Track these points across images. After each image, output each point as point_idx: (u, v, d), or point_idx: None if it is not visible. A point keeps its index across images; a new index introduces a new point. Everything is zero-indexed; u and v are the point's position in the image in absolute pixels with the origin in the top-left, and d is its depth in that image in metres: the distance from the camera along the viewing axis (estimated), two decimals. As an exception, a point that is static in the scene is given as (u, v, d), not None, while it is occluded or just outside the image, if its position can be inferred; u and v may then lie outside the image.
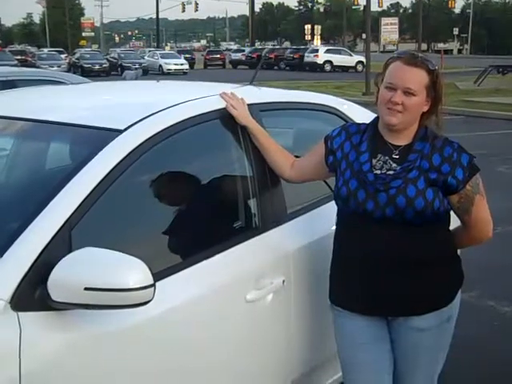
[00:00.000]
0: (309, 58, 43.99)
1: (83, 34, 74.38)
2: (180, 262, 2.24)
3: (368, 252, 2.28)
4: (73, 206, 1.94)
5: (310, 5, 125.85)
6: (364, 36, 34.23)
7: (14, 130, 2.63)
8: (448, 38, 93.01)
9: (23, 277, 1.80)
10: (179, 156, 2.49)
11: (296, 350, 2.63)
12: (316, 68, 42.24)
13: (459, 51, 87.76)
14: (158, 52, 47.35)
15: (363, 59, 32.78)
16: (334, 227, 2.44)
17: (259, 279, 2.38)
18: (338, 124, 2.64)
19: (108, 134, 2.19)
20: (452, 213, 2.37)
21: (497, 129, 14.28)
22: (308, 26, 73.80)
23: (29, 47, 69.38)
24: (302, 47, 52.25)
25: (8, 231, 1.93)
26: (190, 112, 2.44)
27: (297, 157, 2.63)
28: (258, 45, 72.52)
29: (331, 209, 2.46)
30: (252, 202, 2.55)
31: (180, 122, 2.36)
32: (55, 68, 33.23)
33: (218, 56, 53.75)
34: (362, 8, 67.88)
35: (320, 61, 43.20)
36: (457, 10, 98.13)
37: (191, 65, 46.62)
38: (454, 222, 2.42)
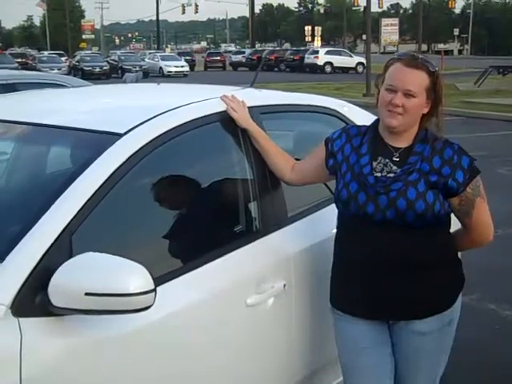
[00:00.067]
0: (309, 59, 44.00)
1: (83, 37, 74.46)
2: (181, 267, 2.23)
3: (369, 255, 2.28)
4: (73, 211, 1.93)
5: (310, 6, 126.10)
6: (364, 37, 34.24)
7: (15, 134, 2.63)
8: (448, 38, 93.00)
9: (24, 282, 1.79)
10: (180, 159, 2.49)
11: (297, 354, 2.63)
12: (316, 69, 42.24)
13: (459, 52, 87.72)
14: (158, 54, 47.35)
15: (363, 60, 32.82)
16: (335, 230, 2.44)
17: (260, 283, 2.37)
18: (338, 126, 2.64)
19: (108, 138, 2.18)
20: (452, 215, 2.37)
21: (497, 130, 14.28)
22: (308, 28, 73.84)
23: (29, 50, 69.30)
24: (302, 48, 52.25)
25: (8, 236, 1.92)
26: (191, 115, 2.44)
27: (297, 159, 2.63)
28: (258, 46, 72.54)
29: (332, 212, 2.45)
30: (252, 206, 2.55)
31: (180, 125, 2.35)
32: (55, 71, 33.24)
33: (219, 58, 53.76)
34: (362, 9, 68.02)
35: (320, 62, 43.20)
36: (457, 11, 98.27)
37: (191, 67, 46.62)
38: (455, 225, 2.42)
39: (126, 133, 2.20)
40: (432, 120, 2.32)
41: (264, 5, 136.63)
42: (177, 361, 2.14)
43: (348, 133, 2.43)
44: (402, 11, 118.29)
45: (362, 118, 3.04)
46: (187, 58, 49.19)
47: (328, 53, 44.64)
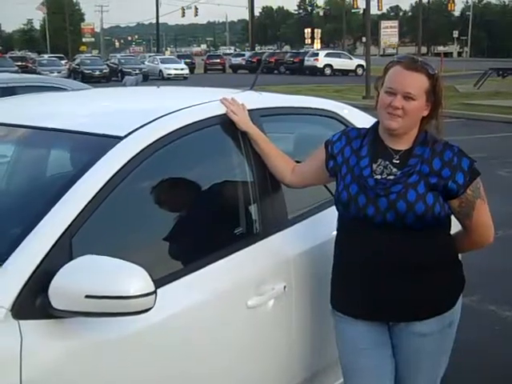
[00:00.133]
0: (309, 61, 44.03)
1: (83, 40, 74.48)
2: (181, 269, 2.24)
3: (369, 257, 2.28)
4: (73, 214, 1.94)
5: (309, 9, 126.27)
6: (364, 39, 34.24)
7: (15, 137, 2.64)
8: (448, 40, 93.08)
9: (24, 285, 1.80)
10: (180, 162, 2.49)
11: (297, 356, 2.63)
12: (316, 72, 42.28)
13: (459, 54, 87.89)
14: (158, 57, 47.38)
15: (363, 63, 32.83)
16: (335, 232, 2.44)
17: (260, 285, 2.38)
18: (338, 129, 2.64)
19: (108, 141, 2.19)
20: (453, 217, 2.37)
21: (497, 132, 14.28)
22: (308, 30, 73.95)
23: (29, 53, 69.41)
24: (302, 51, 52.28)
25: (9, 239, 1.93)
26: (191, 118, 2.44)
27: (297, 162, 2.63)
28: (257, 49, 72.58)
29: (332, 214, 2.46)
30: (253, 208, 2.55)
31: (180, 128, 2.36)
32: (55, 74, 33.30)
33: (218, 61, 53.81)
34: (361, 11, 67.91)
35: (320, 64, 43.23)
36: (456, 13, 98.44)
37: (191, 69, 46.65)
38: (455, 227, 2.42)
39: (126, 136, 2.21)
40: (432, 122, 2.32)
41: (264, 8, 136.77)
42: (177, 363, 2.14)
43: (348, 135, 2.43)
44: (401, 13, 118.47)
45: (362, 120, 3.04)
46: (187, 60, 49.18)
47: (328, 55, 44.66)
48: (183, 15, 79.16)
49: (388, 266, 2.27)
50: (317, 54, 44.92)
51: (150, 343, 2.04)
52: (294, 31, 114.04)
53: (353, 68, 43.13)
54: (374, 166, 2.30)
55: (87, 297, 1.76)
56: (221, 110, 2.54)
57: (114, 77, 39.41)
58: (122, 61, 44.58)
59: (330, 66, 43.33)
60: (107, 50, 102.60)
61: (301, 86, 27.32)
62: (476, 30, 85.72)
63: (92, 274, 1.79)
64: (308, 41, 73.03)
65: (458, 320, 2.45)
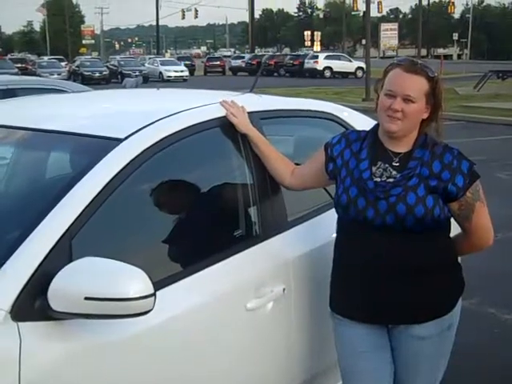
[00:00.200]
0: (308, 64, 44.07)
1: (83, 42, 74.54)
2: (180, 271, 2.24)
3: (368, 260, 2.28)
4: (73, 216, 1.94)
5: (309, 11, 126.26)
6: (364, 42, 34.28)
7: (15, 139, 2.64)
8: (448, 43, 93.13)
9: (23, 287, 1.79)
10: (180, 165, 2.49)
11: (297, 358, 2.63)
12: (316, 74, 42.30)
13: (459, 56, 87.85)
14: (158, 59, 47.42)
15: (363, 65, 32.84)
16: (335, 235, 2.44)
17: (259, 287, 2.38)
18: (338, 131, 2.65)
19: (108, 143, 2.19)
20: (452, 220, 2.37)
21: (496, 134, 14.29)
22: (308, 33, 73.99)
23: (29, 55, 69.43)
24: (301, 53, 52.32)
25: (8, 241, 1.92)
26: (191, 120, 2.44)
27: (297, 164, 2.63)
28: (257, 51, 72.54)
29: (331, 216, 2.46)
30: (252, 210, 2.55)
31: (180, 131, 2.36)
32: (55, 76, 33.34)
33: (218, 63, 53.83)
34: (361, 14, 67.96)
35: (320, 67, 43.27)
36: (456, 15, 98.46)
37: (191, 71, 46.70)
38: (455, 229, 2.42)
39: (125, 138, 2.21)
40: (432, 125, 2.32)
41: (264, 10, 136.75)
42: (176, 365, 2.14)
43: (347, 138, 2.43)
44: (401, 16, 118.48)
45: (362, 122, 3.04)
46: (187, 62, 49.26)
47: (327, 58, 44.71)
48: (183, 17, 79.25)
49: (388, 269, 2.27)
50: (316, 57, 44.96)
51: (149, 345, 2.04)
52: (293, 33, 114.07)
53: (352, 70, 43.15)
54: (374, 168, 2.30)
55: (86, 299, 1.76)
56: (220, 112, 2.54)
57: (113, 79, 39.46)
58: (122, 63, 44.61)
59: (329, 68, 43.36)
60: (107, 52, 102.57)
61: (300, 89, 27.34)
62: (476, 32, 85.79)
63: (91, 276, 1.79)
64: (308, 43, 73.05)
65: (457, 323, 2.45)
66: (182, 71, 42.58)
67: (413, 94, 2.21)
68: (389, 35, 60.94)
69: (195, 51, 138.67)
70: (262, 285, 2.39)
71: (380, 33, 60.72)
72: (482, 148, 11.51)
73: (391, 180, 2.26)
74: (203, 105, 2.65)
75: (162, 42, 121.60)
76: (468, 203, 2.29)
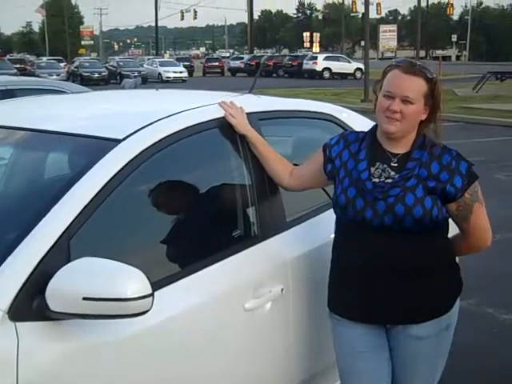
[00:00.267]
0: (307, 65, 44.08)
1: (82, 43, 74.50)
2: (178, 271, 2.24)
3: (367, 260, 2.28)
4: (71, 216, 1.94)
5: (308, 12, 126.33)
6: (363, 43, 34.30)
7: (13, 140, 2.64)
8: (446, 44, 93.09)
9: (21, 287, 1.79)
10: (178, 165, 2.49)
11: (295, 358, 2.63)
12: (315, 75, 42.30)
13: (457, 58, 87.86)
14: (156, 60, 47.42)
15: (362, 66, 32.83)
16: (333, 235, 2.45)
17: (258, 288, 2.38)
18: (336, 132, 2.65)
19: (107, 144, 2.19)
20: (451, 220, 2.37)
21: (495, 135, 14.30)
22: (307, 34, 74.01)
23: (28, 56, 69.41)
24: (300, 54, 52.33)
25: (6, 241, 1.92)
26: (189, 121, 2.44)
27: (296, 165, 2.63)
28: (256, 52, 72.53)
29: (330, 217, 2.46)
30: (251, 211, 2.55)
31: (179, 131, 2.36)
32: (54, 77, 33.30)
33: (217, 64, 53.85)
34: (360, 15, 68.06)
35: (319, 68, 43.28)
36: (455, 17, 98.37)
37: (190, 72, 46.72)
38: (453, 230, 2.43)
39: (124, 139, 2.21)
40: (430, 126, 2.33)
41: (263, 11, 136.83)
42: (174, 365, 2.14)
43: (346, 139, 2.43)
44: (400, 17, 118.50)
45: (361, 123, 3.04)
46: (186, 63, 49.28)
47: (326, 59, 44.72)
48: (182, 18, 79.27)
49: (386, 270, 2.27)
50: (315, 58, 44.98)
51: (147, 346, 2.04)
52: (292, 35, 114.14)
53: (351, 71, 43.18)
54: (372, 169, 2.30)
55: (85, 299, 1.76)
56: (219, 113, 2.54)
57: (112, 79, 39.47)
58: (121, 63, 44.64)
59: (328, 69, 43.36)
60: (106, 53, 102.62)
61: (299, 90, 27.35)
62: (474, 33, 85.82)
63: (89, 276, 1.79)
64: (307, 44, 73.08)
65: (455, 323, 2.45)
66: (180, 72, 42.58)
67: (411, 95, 2.22)
68: (387, 37, 60.83)
69: (194, 52, 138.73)
70: (260, 285, 2.39)
71: (379, 34, 60.59)
72: (480, 149, 11.51)
73: (390, 181, 2.26)
74: (202, 105, 2.65)
75: (161, 43, 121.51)
76: (466, 204, 2.29)
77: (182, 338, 2.16)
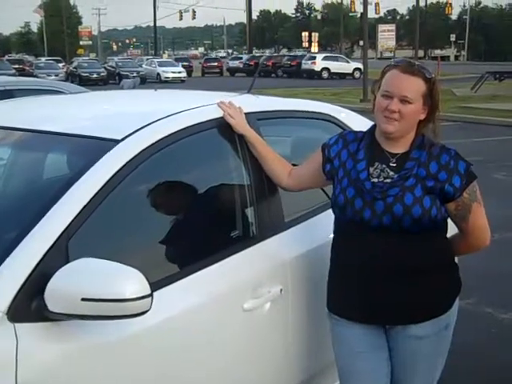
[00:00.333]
0: (306, 65, 44.08)
1: (81, 43, 74.43)
2: (177, 272, 2.24)
3: (365, 260, 2.29)
4: (70, 217, 1.94)
5: (307, 12, 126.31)
6: (361, 43, 34.31)
7: (12, 140, 2.64)
8: (445, 44, 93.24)
9: (20, 288, 1.79)
10: (177, 165, 2.49)
11: (294, 358, 2.63)
12: (313, 75, 42.30)
13: (456, 58, 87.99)
14: (155, 60, 47.40)
15: (360, 66, 32.85)
16: (332, 235, 2.45)
17: (257, 288, 2.38)
18: (335, 132, 2.65)
19: (105, 144, 2.19)
20: (449, 220, 2.37)
21: (493, 135, 14.31)
22: (305, 34, 74.02)
23: (26, 56, 69.39)
24: (299, 54, 52.35)
25: (5, 242, 1.92)
26: (188, 121, 2.44)
27: (294, 165, 2.63)
28: (255, 52, 72.46)
29: (329, 217, 2.46)
30: (249, 211, 2.55)
31: (177, 132, 2.36)
32: (53, 77, 33.29)
33: (216, 64, 53.86)
34: (359, 15, 68.13)
35: (317, 68, 43.29)
36: (453, 17, 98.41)
37: (189, 72, 46.71)
38: (452, 230, 2.43)
39: (123, 139, 2.21)
40: (429, 126, 2.33)
41: (261, 11, 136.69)
42: (173, 366, 2.14)
43: (345, 138, 2.44)
44: (398, 17, 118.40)
45: (360, 123, 3.04)
46: (184, 63, 49.26)
47: (325, 59, 44.71)
48: (181, 18, 79.21)
49: (384, 270, 2.27)
50: (314, 58, 44.96)
51: (146, 346, 2.04)
52: (291, 34, 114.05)
53: (350, 71, 43.17)
54: (371, 169, 2.30)
55: (83, 299, 1.76)
56: (218, 113, 2.54)
57: (111, 80, 39.46)
58: (120, 64, 44.62)
59: (327, 69, 43.37)
60: (105, 53, 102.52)
61: (298, 90, 27.36)
62: (473, 33, 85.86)
63: (88, 277, 1.79)
64: (305, 44, 73.09)
65: (454, 323, 2.45)
66: (179, 72, 42.57)
67: (410, 94, 2.22)
68: (386, 36, 60.82)
69: (193, 52, 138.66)
70: (259, 285, 2.39)
71: (377, 34, 60.55)
72: (479, 149, 11.51)
73: (388, 180, 2.26)
74: (201, 106, 2.65)
75: (160, 43, 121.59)
76: (465, 204, 2.29)
77: (181, 339, 2.16)
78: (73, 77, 39.44)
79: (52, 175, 2.56)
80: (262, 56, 59.19)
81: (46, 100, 3.47)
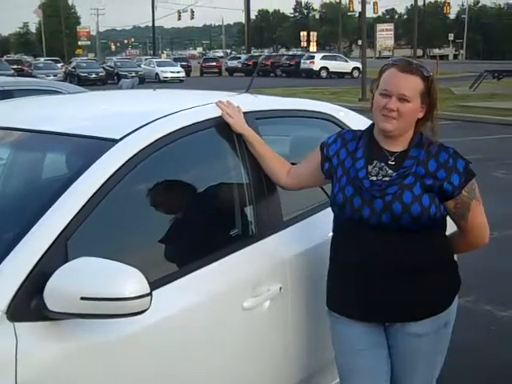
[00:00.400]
0: (305, 64, 44.10)
1: (79, 43, 74.41)
2: (176, 271, 2.24)
3: (364, 258, 2.29)
4: (69, 216, 1.94)
5: (305, 12, 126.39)
6: (360, 42, 34.32)
7: (11, 140, 2.64)
8: (443, 43, 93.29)
9: (19, 287, 1.79)
10: (175, 165, 2.49)
11: (294, 357, 2.63)
12: (312, 74, 42.32)
13: (455, 56, 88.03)
14: (154, 60, 47.38)
15: (359, 65, 32.92)
16: (331, 234, 2.45)
17: (256, 287, 2.38)
18: (334, 131, 2.65)
19: (104, 144, 2.19)
20: (448, 218, 2.38)
21: (492, 133, 14.33)
22: (304, 33, 74.07)
23: (25, 56, 69.37)
24: (298, 53, 52.35)
25: (4, 241, 1.92)
26: (186, 121, 2.44)
27: (293, 164, 2.64)
28: (253, 52, 72.43)
29: (327, 215, 2.46)
30: (248, 210, 2.55)
31: (176, 131, 2.36)
32: (51, 77, 33.27)
33: (214, 64, 53.86)
34: (357, 14, 68.19)
35: (316, 67, 43.31)
36: (452, 16, 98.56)
37: (187, 72, 46.70)
38: (451, 228, 2.43)
39: (121, 139, 2.21)
40: (427, 124, 2.33)
41: (260, 11, 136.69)
42: (173, 365, 2.14)
43: (343, 137, 2.44)
44: (396, 16, 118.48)
45: (358, 122, 3.05)
46: (183, 63, 49.25)
47: (324, 58, 44.74)
48: (179, 18, 79.12)
49: (383, 268, 2.27)
50: (313, 57, 44.99)
51: (145, 345, 2.04)
52: (289, 34, 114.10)
53: (349, 70, 43.18)
54: (370, 167, 2.30)
55: (83, 299, 1.76)
56: (216, 112, 2.54)
57: (110, 80, 39.45)
58: (118, 64, 44.61)
59: (325, 68, 43.39)
60: (103, 53, 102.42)
61: (297, 89, 27.37)
62: (471, 32, 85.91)
63: (87, 276, 1.79)
64: (304, 43, 73.12)
65: (453, 320, 2.46)
66: (178, 72, 42.56)
67: (408, 93, 2.22)
68: (384, 35, 60.89)
69: (191, 52, 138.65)
70: (258, 284, 2.39)
71: (376, 33, 60.63)
72: (477, 147, 11.52)
73: (387, 179, 2.27)
74: (199, 105, 2.65)
75: (158, 43, 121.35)
76: (464, 202, 2.30)
77: (180, 338, 2.16)
78: (71, 77, 39.43)
79: (51, 175, 2.56)
80: (260, 56, 59.12)
81: (45, 100, 3.47)
